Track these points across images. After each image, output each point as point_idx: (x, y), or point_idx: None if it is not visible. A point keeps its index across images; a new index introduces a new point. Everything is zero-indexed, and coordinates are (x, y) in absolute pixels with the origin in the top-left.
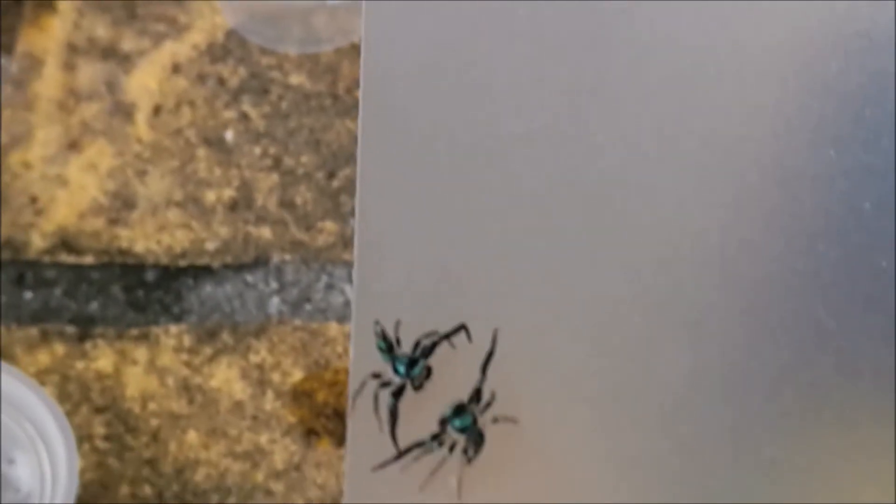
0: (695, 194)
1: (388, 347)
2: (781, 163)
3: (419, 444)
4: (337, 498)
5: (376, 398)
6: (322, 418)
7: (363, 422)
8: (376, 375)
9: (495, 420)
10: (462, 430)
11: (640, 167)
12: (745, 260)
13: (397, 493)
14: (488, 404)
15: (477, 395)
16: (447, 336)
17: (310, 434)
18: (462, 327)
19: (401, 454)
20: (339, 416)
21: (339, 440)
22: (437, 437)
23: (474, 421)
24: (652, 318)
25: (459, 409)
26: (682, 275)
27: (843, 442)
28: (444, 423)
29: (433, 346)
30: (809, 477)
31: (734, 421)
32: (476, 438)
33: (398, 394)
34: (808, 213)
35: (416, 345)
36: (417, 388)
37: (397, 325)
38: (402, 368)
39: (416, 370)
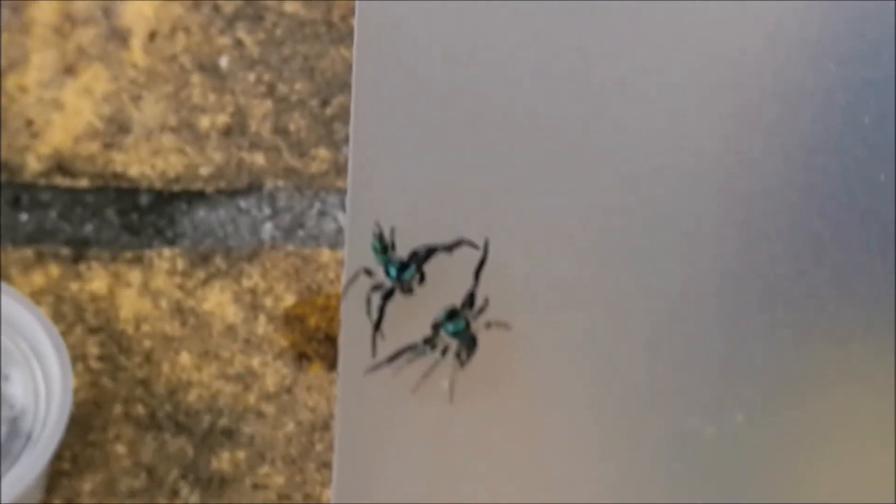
0: (693, 107)
1: (383, 249)
2: (781, 76)
3: (411, 348)
4: (328, 420)
5: (368, 301)
6: (314, 343)
7: (356, 339)
8: (368, 272)
9: (488, 325)
10: (455, 335)
11: (639, 79)
12: (742, 172)
13: (389, 407)
14: (481, 310)
15: (470, 300)
16: (445, 248)
17: (301, 358)
18: (460, 242)
19: (393, 357)
20: (331, 340)
21: (331, 364)
22: (429, 341)
23: (467, 325)
24: (648, 227)
25: (452, 314)
26: (678, 185)
27: (837, 353)
28: (436, 327)
29: (428, 254)
30: (801, 387)
31: (728, 331)
32: (469, 343)
33: (387, 296)
34: (807, 126)
35: (413, 254)
36: (407, 291)
37: (393, 231)
38: (392, 271)
39: (407, 275)
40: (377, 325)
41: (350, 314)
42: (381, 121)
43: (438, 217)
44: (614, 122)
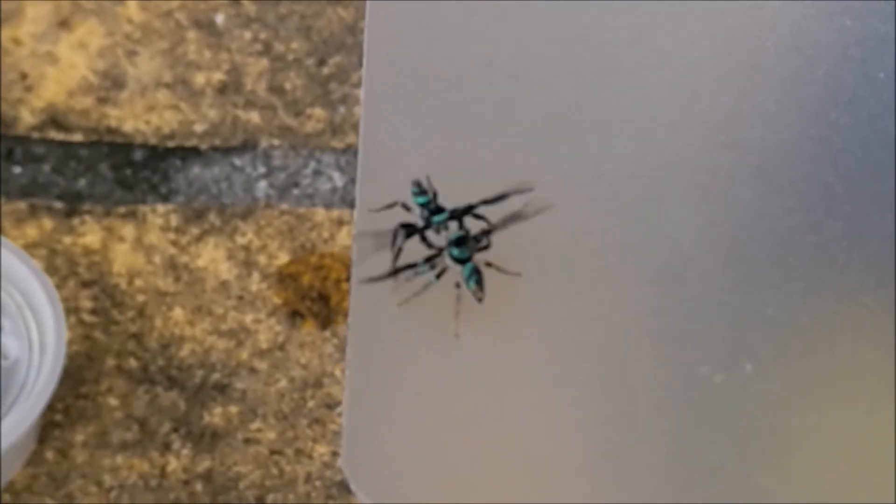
0: (709, 59)
1: (422, 192)
2: (797, 30)
3: (412, 266)
4: (320, 378)
5: (395, 235)
6: (307, 301)
7: (365, 296)
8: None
9: (489, 264)
10: (457, 261)
11: (656, 31)
12: (757, 124)
13: (397, 356)
14: (485, 247)
15: (484, 233)
16: (488, 202)
17: (294, 315)
18: (504, 196)
19: (393, 272)
20: (324, 298)
21: (324, 322)
22: (430, 261)
23: (471, 256)
24: (661, 177)
25: (461, 241)
26: (692, 136)
27: (847, 305)
28: (441, 249)
29: (468, 210)
30: (810, 337)
31: (739, 281)
32: (472, 275)
33: (409, 231)
34: (822, 80)
35: (454, 210)
36: (430, 241)
37: (429, 179)
38: (425, 210)
39: (439, 218)
40: (395, 257)
41: (361, 270)
42: (391, 80)
43: (450, 173)
44: (629, 72)
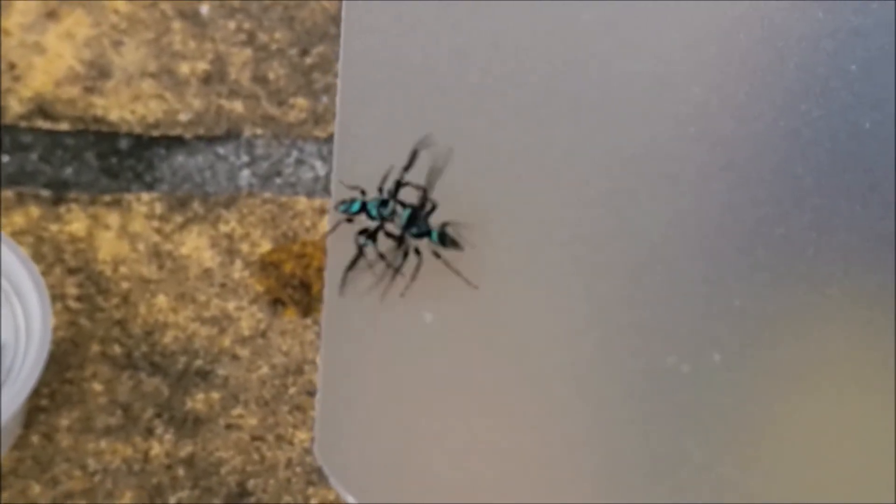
0: (681, 50)
1: (361, 192)
2: (769, 22)
3: (382, 256)
4: (301, 365)
5: (360, 248)
6: (289, 289)
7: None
8: (349, 220)
9: (445, 223)
10: (419, 236)
11: (627, 23)
12: (727, 116)
13: (370, 346)
14: (433, 208)
15: (423, 203)
16: (406, 168)
17: (276, 303)
18: (415, 152)
19: (353, 262)
20: (306, 287)
21: (305, 310)
22: (399, 247)
23: (428, 227)
24: (631, 169)
25: (412, 217)
26: (663, 128)
27: (814, 296)
28: (401, 236)
29: (398, 186)
30: (777, 329)
31: (707, 272)
32: (443, 237)
33: (373, 235)
34: (793, 72)
35: (389, 193)
36: (397, 237)
37: (385, 178)
38: (373, 210)
39: (387, 209)
40: (352, 264)
41: (335, 258)
42: (367, 69)
43: (424, 163)
44: (601, 64)
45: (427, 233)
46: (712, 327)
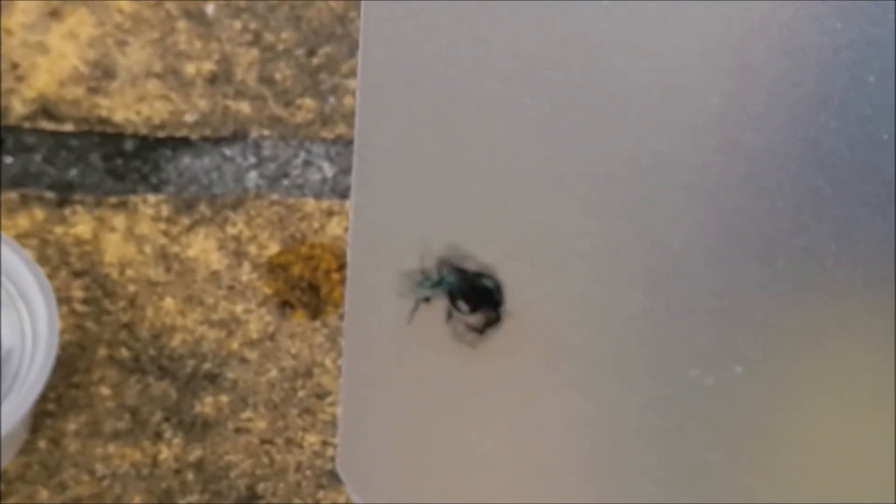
0: (699, 61)
1: (427, 279)
2: (787, 33)
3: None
4: (310, 367)
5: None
6: (297, 291)
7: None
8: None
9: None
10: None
11: (644, 32)
12: (746, 126)
13: (392, 354)
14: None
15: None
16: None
17: (284, 306)
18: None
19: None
20: (314, 289)
21: (314, 313)
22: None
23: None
24: (650, 180)
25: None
26: (682, 138)
27: (835, 307)
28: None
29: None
30: (799, 340)
31: (728, 283)
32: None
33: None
34: (812, 83)
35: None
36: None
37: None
38: (428, 286)
39: (445, 285)
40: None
41: (357, 260)
42: (387, 72)
43: (442, 168)
44: (619, 74)
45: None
46: (734, 339)
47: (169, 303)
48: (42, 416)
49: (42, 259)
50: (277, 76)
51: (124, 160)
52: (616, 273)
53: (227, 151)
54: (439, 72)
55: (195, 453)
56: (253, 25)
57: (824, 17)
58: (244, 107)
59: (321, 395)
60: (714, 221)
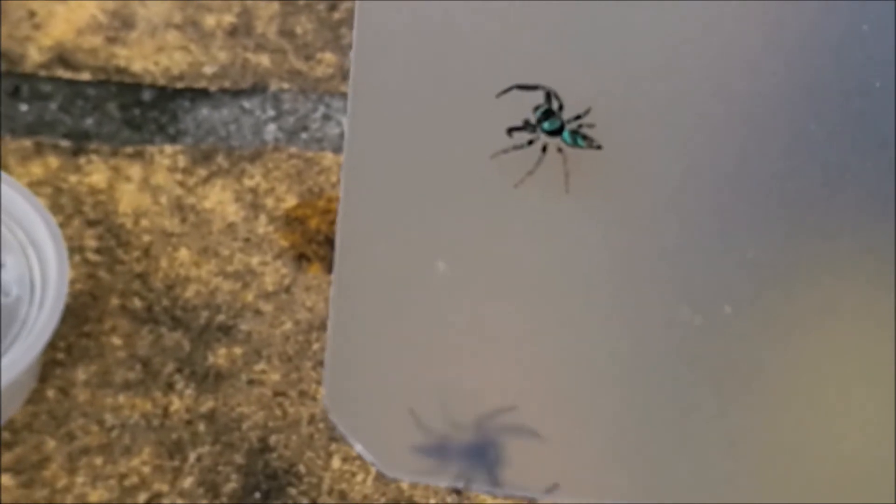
0: (696, 8)
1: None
2: None
3: (517, 147)
4: (325, 320)
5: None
6: (313, 244)
7: (353, 238)
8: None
9: (575, 132)
10: (552, 133)
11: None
12: (741, 71)
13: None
14: (578, 115)
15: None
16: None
17: (301, 258)
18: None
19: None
20: (330, 242)
21: (330, 266)
22: (531, 142)
23: (562, 124)
24: (646, 123)
25: (547, 113)
26: (679, 83)
27: (825, 249)
28: (534, 126)
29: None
30: (789, 281)
31: (720, 224)
32: (577, 136)
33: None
34: (807, 30)
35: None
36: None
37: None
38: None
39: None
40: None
41: (349, 207)
42: (384, 26)
43: (441, 120)
44: (617, 18)
45: (559, 130)
46: (724, 279)
47: (184, 254)
48: (51, 365)
49: (55, 208)
50: (298, 30)
51: (141, 110)
52: (609, 213)
53: (246, 104)
54: (437, 22)
55: (207, 404)
56: None
57: None
58: (264, 59)
59: None
60: (708, 164)
